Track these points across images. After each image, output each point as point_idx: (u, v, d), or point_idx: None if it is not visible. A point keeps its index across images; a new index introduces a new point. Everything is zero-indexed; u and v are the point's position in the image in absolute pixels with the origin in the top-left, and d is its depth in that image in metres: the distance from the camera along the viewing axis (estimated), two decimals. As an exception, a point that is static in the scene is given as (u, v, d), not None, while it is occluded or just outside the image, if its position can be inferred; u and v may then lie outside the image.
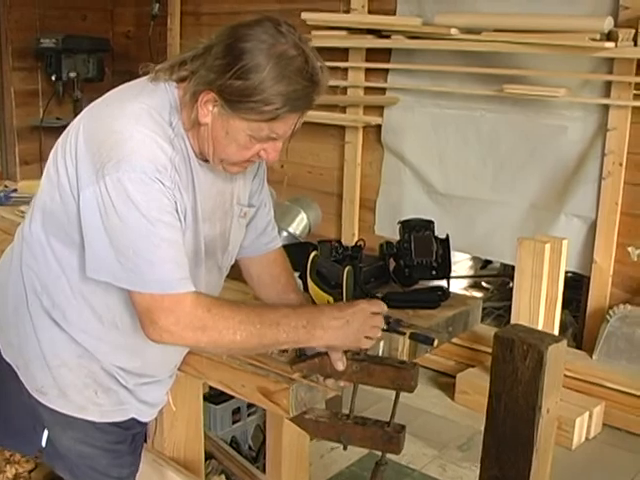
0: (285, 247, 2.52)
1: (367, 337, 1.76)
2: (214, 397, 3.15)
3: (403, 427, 1.85)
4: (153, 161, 1.59)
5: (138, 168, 1.56)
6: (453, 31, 4.06)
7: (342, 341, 1.74)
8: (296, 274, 2.37)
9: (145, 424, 2.02)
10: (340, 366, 1.78)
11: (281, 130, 1.66)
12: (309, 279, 2.24)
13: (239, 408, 3.27)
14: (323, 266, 2.26)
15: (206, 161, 1.74)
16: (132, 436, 1.96)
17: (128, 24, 6.17)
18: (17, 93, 5.92)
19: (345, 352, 1.78)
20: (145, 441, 2.18)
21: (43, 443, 1.91)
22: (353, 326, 1.73)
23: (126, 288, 1.64)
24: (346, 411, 1.90)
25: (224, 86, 1.59)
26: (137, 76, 1.79)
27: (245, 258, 2.07)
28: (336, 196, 5.01)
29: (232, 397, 3.16)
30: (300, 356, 1.86)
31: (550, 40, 3.74)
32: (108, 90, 1.79)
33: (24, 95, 5.95)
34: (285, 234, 2.75)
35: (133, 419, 1.92)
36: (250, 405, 3.29)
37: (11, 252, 1.90)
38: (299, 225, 2.83)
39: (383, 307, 1.80)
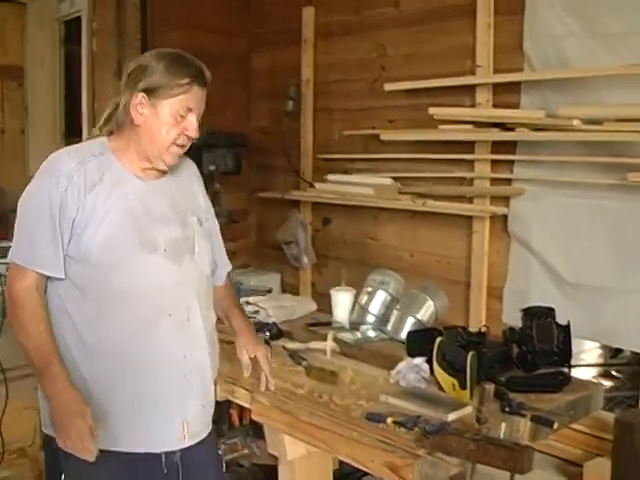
0: (413, 333, 2.65)
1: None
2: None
3: None
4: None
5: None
6: (575, 122, 4.14)
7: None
8: (423, 358, 2.50)
9: None
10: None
11: (192, 102, 2.44)
12: (435, 363, 2.35)
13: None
14: (449, 351, 2.36)
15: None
16: None
17: (263, 120, 6.42)
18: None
19: (465, 432, 1.90)
20: None
21: None
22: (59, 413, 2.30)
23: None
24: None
25: (145, 85, 2.41)
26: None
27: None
28: (463, 284, 5.02)
29: None
30: (425, 434, 1.98)
31: (673, 128, 3.77)
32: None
33: (168, 188, 6.29)
34: (413, 320, 2.87)
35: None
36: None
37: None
38: (426, 312, 2.94)
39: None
